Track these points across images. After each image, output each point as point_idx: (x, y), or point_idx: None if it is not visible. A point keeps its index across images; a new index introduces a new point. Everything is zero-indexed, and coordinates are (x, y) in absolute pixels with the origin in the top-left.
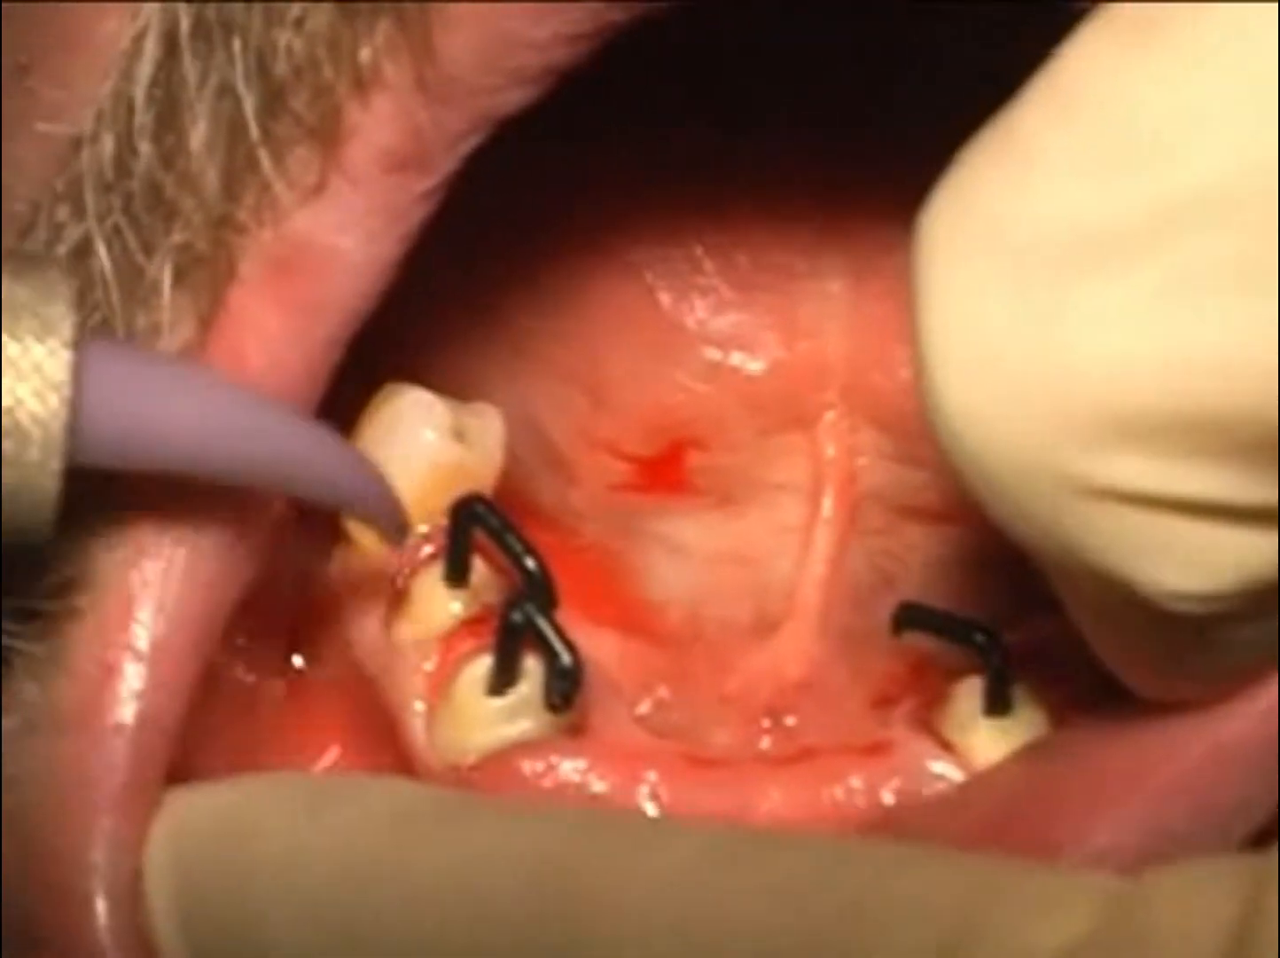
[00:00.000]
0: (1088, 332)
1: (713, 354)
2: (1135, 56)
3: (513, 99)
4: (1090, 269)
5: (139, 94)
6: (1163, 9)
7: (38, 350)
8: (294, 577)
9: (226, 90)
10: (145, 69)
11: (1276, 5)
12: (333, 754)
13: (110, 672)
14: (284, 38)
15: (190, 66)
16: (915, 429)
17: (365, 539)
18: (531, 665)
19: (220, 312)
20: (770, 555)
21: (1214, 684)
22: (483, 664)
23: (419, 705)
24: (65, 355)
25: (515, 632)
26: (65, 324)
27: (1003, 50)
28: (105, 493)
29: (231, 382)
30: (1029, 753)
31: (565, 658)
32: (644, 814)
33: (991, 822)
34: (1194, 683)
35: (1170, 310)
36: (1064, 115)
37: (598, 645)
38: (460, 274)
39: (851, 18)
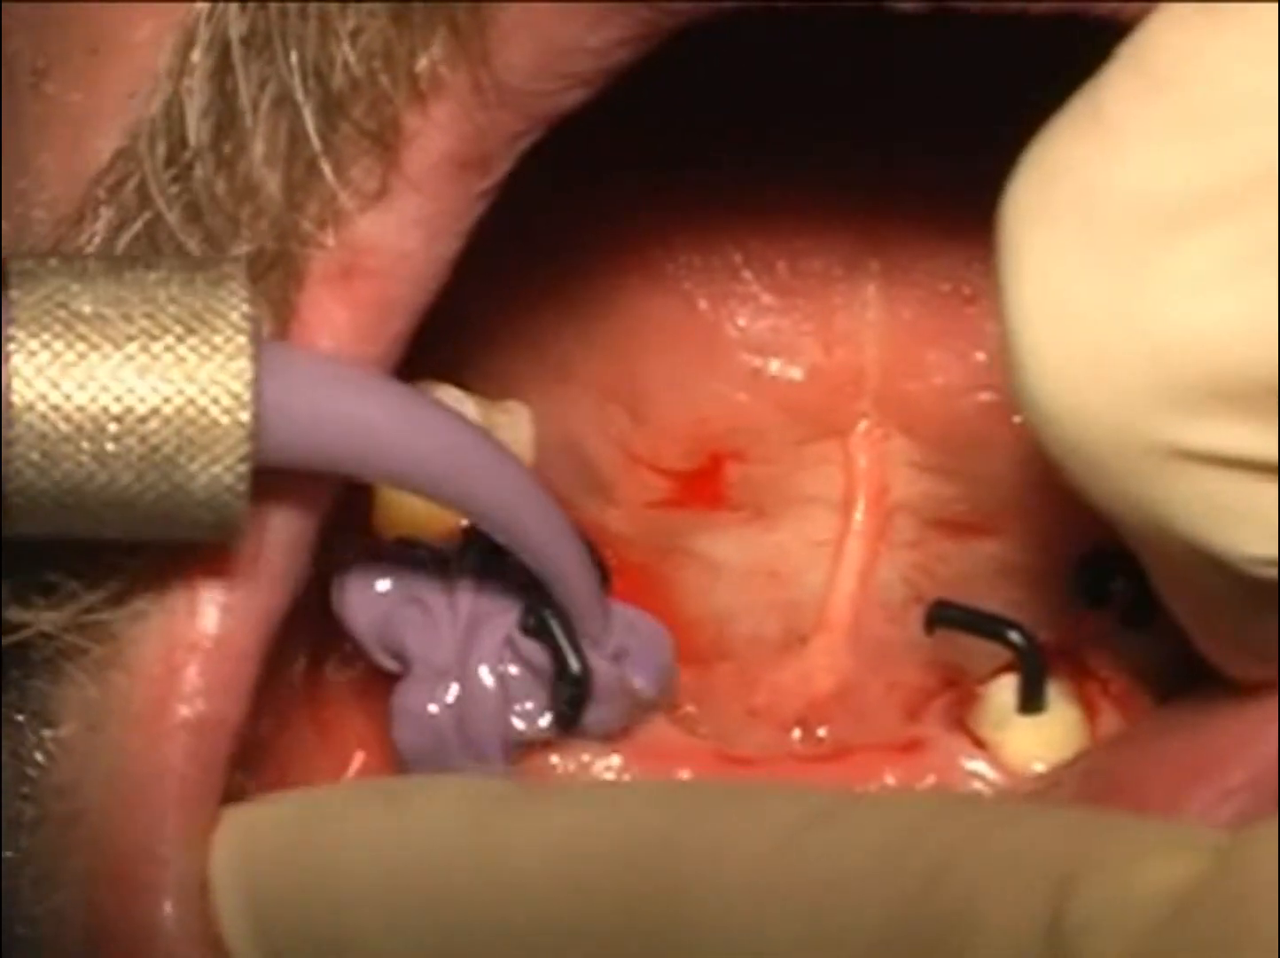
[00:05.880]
0: (1175, 296)
1: (752, 361)
2: (1216, 32)
3: (571, 99)
4: (1177, 235)
5: (191, 106)
6: None
7: (218, 357)
8: (316, 580)
9: (285, 102)
10: (197, 81)
11: None
12: (359, 759)
13: (174, 670)
14: (340, 50)
15: (245, 80)
16: (946, 438)
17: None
18: None
19: (290, 312)
20: (801, 570)
21: None
22: None
23: None
24: (245, 361)
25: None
26: (243, 328)
27: (1030, 61)
28: None
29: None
30: (1093, 756)
31: (574, 665)
32: (723, 782)
33: None
34: None
35: (1256, 274)
36: (1149, 89)
37: None
38: (497, 289)
39: (888, 29)
